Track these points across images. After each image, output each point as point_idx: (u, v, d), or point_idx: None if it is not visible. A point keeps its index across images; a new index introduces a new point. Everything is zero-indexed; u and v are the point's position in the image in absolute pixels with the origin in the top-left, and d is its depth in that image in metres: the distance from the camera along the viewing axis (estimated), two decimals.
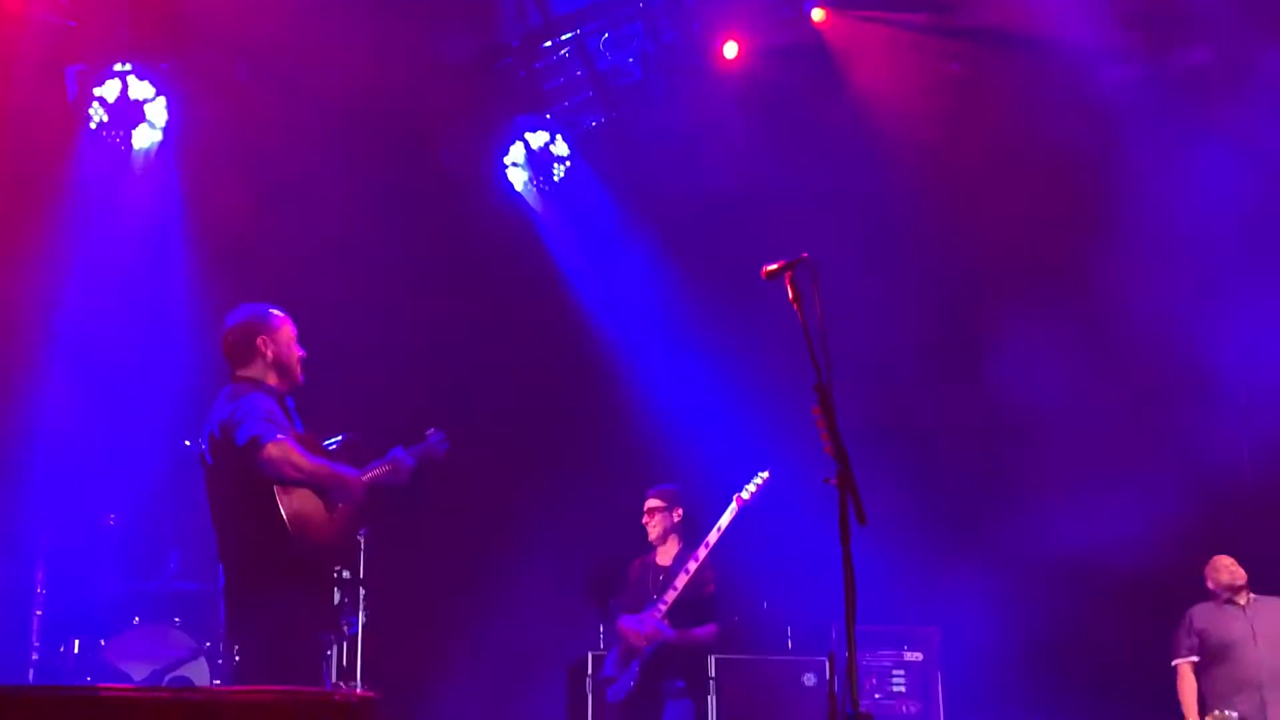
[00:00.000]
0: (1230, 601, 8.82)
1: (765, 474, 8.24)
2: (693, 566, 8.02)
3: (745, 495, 8.17)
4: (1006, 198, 9.64)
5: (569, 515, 9.48)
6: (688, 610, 8.04)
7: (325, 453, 6.01)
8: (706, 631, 8.12)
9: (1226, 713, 8.50)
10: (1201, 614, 8.86)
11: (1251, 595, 8.81)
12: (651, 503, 8.40)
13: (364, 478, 6.03)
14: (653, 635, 7.96)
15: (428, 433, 6.61)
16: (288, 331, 6.10)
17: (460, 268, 9.67)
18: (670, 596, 7.99)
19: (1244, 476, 10.01)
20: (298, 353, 6.10)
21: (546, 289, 10.12)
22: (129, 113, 8.88)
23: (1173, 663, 8.86)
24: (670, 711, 7.98)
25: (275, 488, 5.66)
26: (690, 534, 8.33)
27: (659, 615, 7.98)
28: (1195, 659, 8.79)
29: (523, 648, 9.59)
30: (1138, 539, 9.31)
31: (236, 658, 5.83)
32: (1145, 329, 9.88)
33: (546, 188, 9.97)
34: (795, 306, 5.07)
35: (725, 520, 8.10)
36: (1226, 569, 8.85)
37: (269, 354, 6.02)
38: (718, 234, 9.72)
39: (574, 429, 9.95)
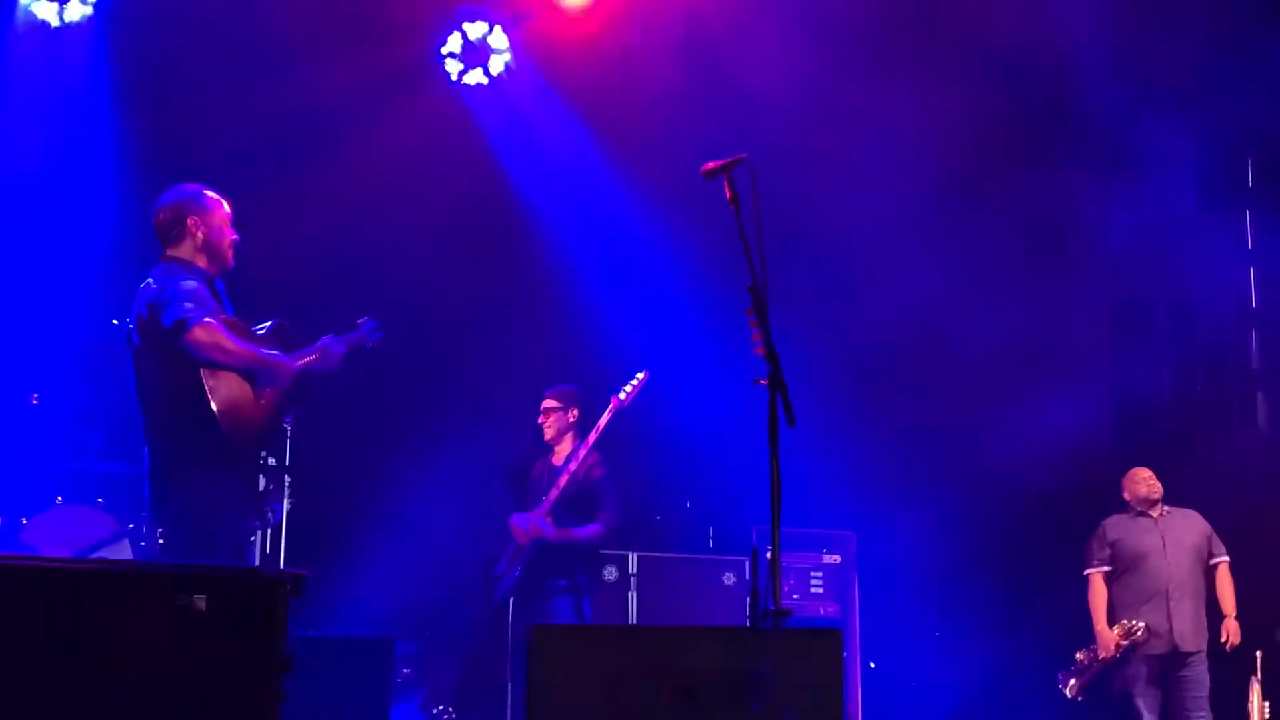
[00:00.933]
0: (1143, 514, 8.98)
1: (643, 374, 8.33)
2: (573, 465, 8.13)
3: (622, 395, 8.26)
4: (956, 96, 9.64)
5: (495, 411, 9.47)
6: (573, 508, 8.16)
7: (254, 337, 5.97)
8: (588, 531, 8.19)
9: (1134, 621, 8.71)
10: (1115, 525, 9.02)
11: (1165, 507, 8.98)
12: (547, 403, 8.48)
13: (294, 364, 6.01)
14: (533, 531, 8.07)
15: (359, 321, 6.57)
16: (220, 213, 6.03)
17: (399, 160, 9.55)
18: (553, 494, 8.10)
19: (1161, 393, 10.20)
20: (229, 236, 6.04)
21: (482, 186, 10.02)
22: None
23: (1085, 572, 9.02)
24: (553, 608, 8.08)
25: (202, 370, 5.63)
26: (586, 434, 8.36)
27: (542, 513, 8.09)
28: (1107, 569, 8.96)
29: (442, 541, 9.61)
30: (1055, 453, 9.49)
31: (160, 540, 5.83)
32: (1076, 248, 10.00)
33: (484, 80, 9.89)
34: (733, 207, 5.10)
35: (602, 421, 8.19)
36: (1145, 481, 8.99)
37: (199, 235, 5.95)
38: (659, 133, 9.64)
39: (507, 328, 9.91)
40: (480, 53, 9.83)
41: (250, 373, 5.80)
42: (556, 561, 8.11)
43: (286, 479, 8.52)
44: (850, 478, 9.48)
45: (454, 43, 9.82)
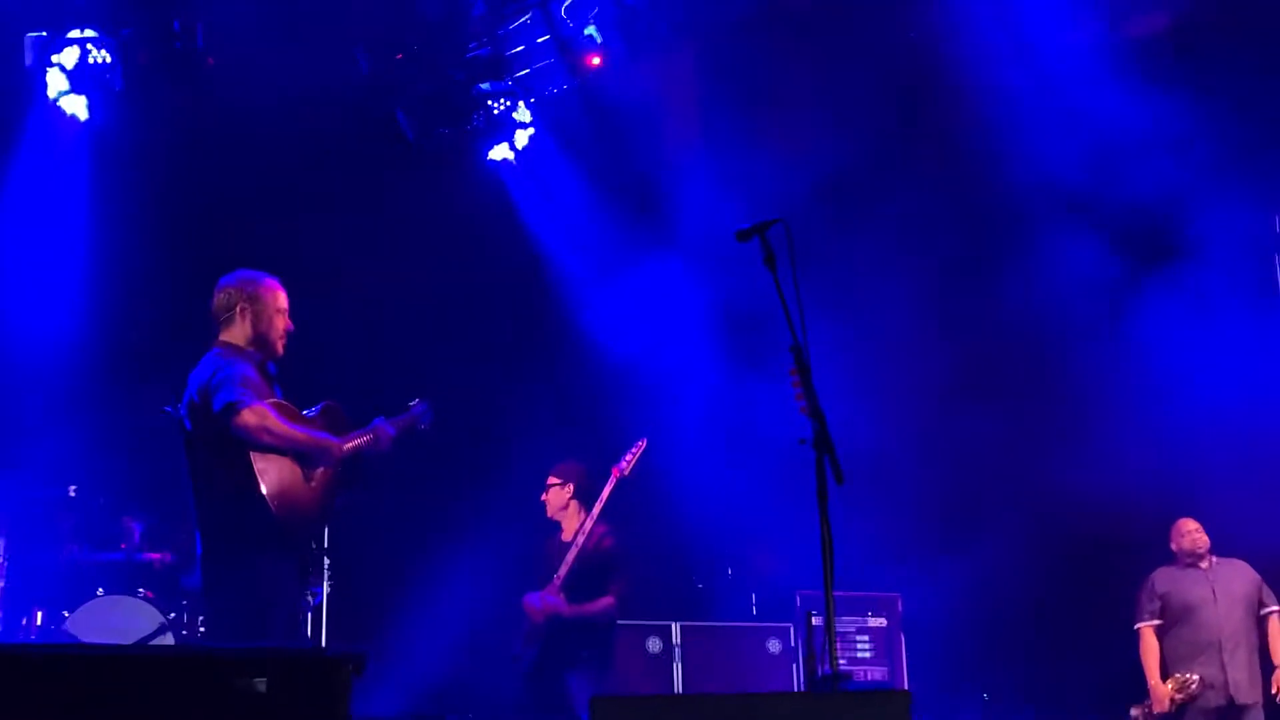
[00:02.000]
0: (1192, 565, 8.90)
1: (642, 442, 8.31)
2: (580, 539, 8.07)
3: (623, 465, 8.23)
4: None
5: (531, 489, 9.44)
6: (585, 581, 8.07)
7: (304, 420, 5.97)
8: (602, 604, 8.10)
9: (1188, 675, 8.60)
10: (1164, 577, 8.94)
11: (1213, 558, 8.90)
12: (550, 480, 8.44)
13: (342, 445, 6.00)
14: (547, 608, 8.00)
15: (411, 404, 6.58)
16: (274, 302, 6.06)
17: (430, 239, 9.60)
18: (562, 571, 8.03)
19: (1205, 440, 10.09)
20: (281, 325, 6.07)
21: (517, 259, 10.06)
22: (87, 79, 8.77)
23: (1135, 626, 8.93)
24: (573, 683, 7.97)
25: (252, 454, 5.65)
26: (589, 506, 8.28)
27: (554, 590, 8.02)
28: (1158, 622, 8.87)
29: (479, 620, 9.55)
30: (1099, 504, 9.40)
31: (201, 628, 5.80)
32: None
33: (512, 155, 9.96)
34: (769, 267, 5.09)
35: (605, 492, 8.16)
36: (1190, 535, 8.92)
37: (251, 321, 5.99)
38: (682, 201, 9.68)
39: (541, 404, 9.90)
40: (506, 127, 9.88)
41: (301, 455, 5.82)
42: (574, 638, 8.03)
43: (326, 561, 8.53)
44: (895, 538, 9.39)
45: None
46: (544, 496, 8.41)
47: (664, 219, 9.95)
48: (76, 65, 8.67)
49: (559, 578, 8.02)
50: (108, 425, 8.72)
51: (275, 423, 5.68)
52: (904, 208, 9.76)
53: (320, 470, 5.90)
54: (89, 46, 8.68)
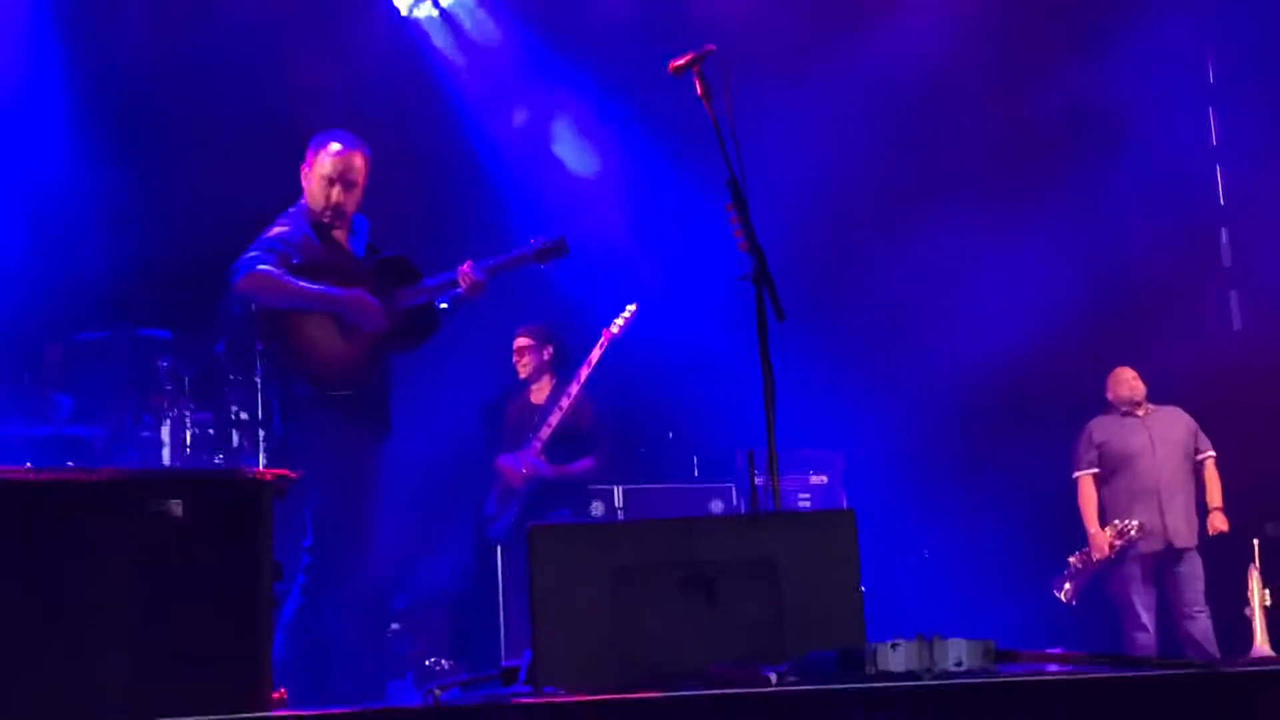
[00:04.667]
0: (1129, 414, 8.93)
1: (633, 306, 8.19)
2: (565, 402, 7.97)
3: (614, 329, 8.10)
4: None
5: (464, 349, 9.29)
6: (565, 445, 8.02)
7: (332, 276, 5.89)
8: (583, 465, 8.11)
9: (1128, 521, 8.67)
10: (1101, 426, 8.98)
11: (1149, 406, 8.93)
12: (520, 341, 8.32)
13: (356, 297, 5.86)
14: (529, 471, 7.93)
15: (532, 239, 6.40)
16: (321, 168, 6.00)
17: (349, 98, 9.33)
18: (545, 433, 7.95)
19: (1135, 286, 10.13)
20: (324, 194, 5.98)
21: (437, 117, 9.82)
22: None
23: (1073, 475, 9.00)
24: None
25: (284, 316, 5.79)
26: (562, 370, 8.28)
27: (535, 452, 7.94)
28: (1096, 470, 8.93)
29: (420, 489, 9.44)
30: (1032, 353, 9.42)
31: None
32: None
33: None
34: (705, 102, 4.97)
35: (595, 355, 8.05)
36: (1127, 382, 8.95)
37: (308, 186, 6.04)
38: (621, 49, 9.45)
39: (448, 249, 9.73)
40: None
41: (333, 313, 5.82)
42: (552, 499, 7.97)
43: (261, 434, 8.38)
44: (834, 396, 9.35)
45: None
46: (516, 359, 8.29)
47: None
48: None
49: (541, 439, 7.92)
50: (31, 300, 8.49)
51: (276, 284, 5.71)
52: (851, 49, 9.57)
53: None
54: None
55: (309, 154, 6.04)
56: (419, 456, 8.84)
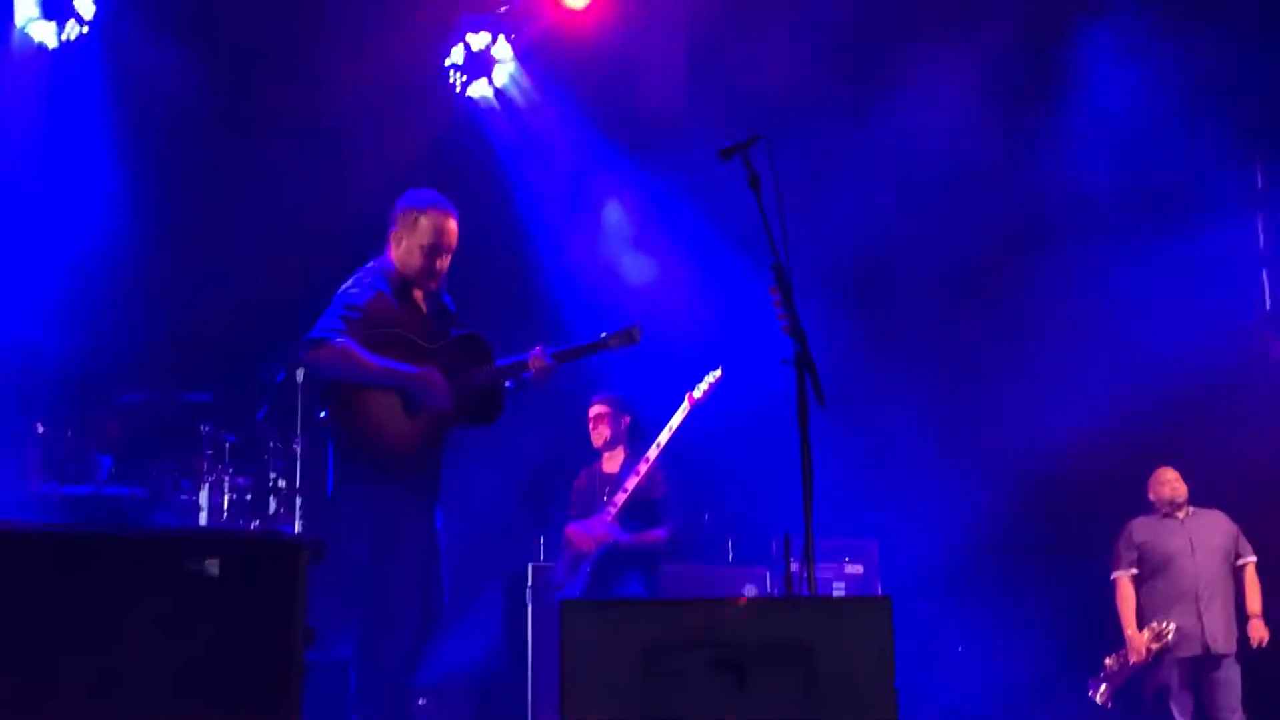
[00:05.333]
0: (1169, 515, 8.86)
1: (718, 371, 7.95)
2: (643, 468, 7.75)
3: (698, 394, 7.87)
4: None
5: (501, 423, 9.32)
6: (638, 513, 7.82)
7: (404, 352, 5.83)
8: (657, 534, 7.90)
9: (1165, 624, 8.56)
10: (1141, 527, 8.90)
11: (1190, 508, 8.85)
12: (597, 409, 8.18)
13: (425, 376, 5.80)
14: (602, 537, 7.73)
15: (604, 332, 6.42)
16: (423, 237, 5.91)
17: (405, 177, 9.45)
18: (620, 499, 7.75)
19: (1182, 390, 10.06)
20: (422, 262, 5.91)
21: (492, 199, 9.93)
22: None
23: (1112, 576, 8.90)
24: None
25: (347, 388, 5.70)
26: (636, 441, 8.11)
27: (609, 518, 7.75)
28: (1135, 571, 8.84)
29: (459, 560, 9.43)
30: (1075, 448, 9.36)
31: None
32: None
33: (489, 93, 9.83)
34: (752, 187, 5.00)
35: (677, 420, 7.82)
36: (1169, 484, 8.88)
37: (401, 249, 5.95)
38: (665, 134, 9.54)
39: (514, 333, 9.77)
40: (484, 64, 9.73)
41: (402, 390, 5.75)
42: (623, 567, 7.78)
43: (298, 500, 8.41)
44: (870, 485, 9.31)
45: (457, 54, 9.71)
46: (594, 427, 8.16)
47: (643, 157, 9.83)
48: None
49: (615, 505, 7.75)
50: (78, 362, 8.58)
51: (349, 359, 5.62)
52: (888, 132, 9.62)
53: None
54: None
55: (400, 215, 5.95)
56: (451, 526, 8.87)
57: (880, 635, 3.74)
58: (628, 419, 8.17)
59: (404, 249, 5.91)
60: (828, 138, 9.48)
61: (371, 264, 5.95)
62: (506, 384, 6.14)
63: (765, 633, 3.69)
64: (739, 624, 3.70)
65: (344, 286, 5.85)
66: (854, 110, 9.70)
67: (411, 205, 5.96)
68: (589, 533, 7.81)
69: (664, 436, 7.82)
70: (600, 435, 8.17)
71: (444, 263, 5.96)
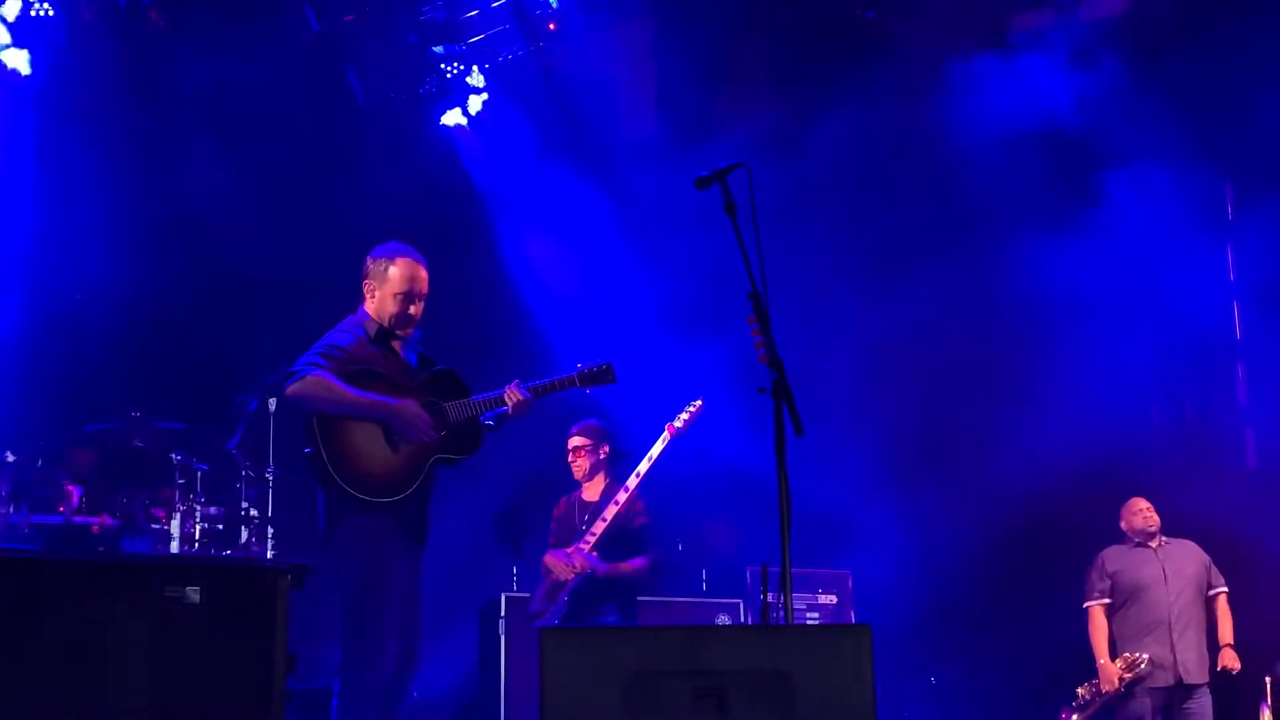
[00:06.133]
0: (1142, 545, 8.88)
1: (699, 402, 7.96)
2: (622, 497, 7.75)
3: (678, 424, 7.87)
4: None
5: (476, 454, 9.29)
6: (617, 543, 7.80)
7: (386, 387, 5.97)
8: (636, 564, 7.86)
9: (1138, 654, 8.58)
10: (1114, 556, 8.92)
11: (1163, 538, 8.88)
12: (576, 440, 8.14)
13: (394, 404, 5.91)
14: (581, 567, 7.70)
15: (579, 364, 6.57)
16: (396, 285, 6.10)
17: (380, 204, 9.47)
18: (598, 528, 7.73)
19: (1150, 421, 10.13)
20: (396, 308, 6.10)
21: (471, 227, 9.95)
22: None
23: (1084, 605, 8.90)
24: None
25: (327, 421, 5.82)
26: (616, 469, 8.10)
27: (586, 547, 7.73)
28: (1107, 601, 8.84)
29: (431, 590, 9.39)
30: (1048, 478, 9.39)
31: None
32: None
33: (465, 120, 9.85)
34: (730, 215, 5.00)
35: (657, 449, 7.82)
36: (1141, 513, 8.90)
37: (375, 301, 6.13)
38: (640, 163, 9.57)
39: (489, 364, 9.77)
40: (459, 92, 9.77)
41: (382, 422, 5.90)
42: (601, 596, 7.75)
43: (270, 530, 8.37)
44: (845, 515, 9.32)
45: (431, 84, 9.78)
46: (572, 458, 8.13)
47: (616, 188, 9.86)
48: (19, 18, 8.49)
49: (594, 534, 7.72)
50: (49, 390, 8.54)
51: (328, 390, 5.78)
52: (861, 179, 9.70)
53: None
54: None
55: (372, 266, 6.15)
56: (426, 555, 8.84)
57: (860, 663, 3.74)
58: (606, 448, 8.15)
59: (378, 299, 6.12)
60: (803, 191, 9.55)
61: (349, 317, 6.16)
62: (486, 419, 6.26)
63: (746, 661, 3.70)
64: (719, 653, 3.70)
65: (324, 337, 6.04)
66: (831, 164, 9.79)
67: (381, 255, 6.17)
68: (567, 561, 7.77)
69: (644, 466, 7.82)
70: (580, 468, 8.14)
71: (417, 309, 6.16)
